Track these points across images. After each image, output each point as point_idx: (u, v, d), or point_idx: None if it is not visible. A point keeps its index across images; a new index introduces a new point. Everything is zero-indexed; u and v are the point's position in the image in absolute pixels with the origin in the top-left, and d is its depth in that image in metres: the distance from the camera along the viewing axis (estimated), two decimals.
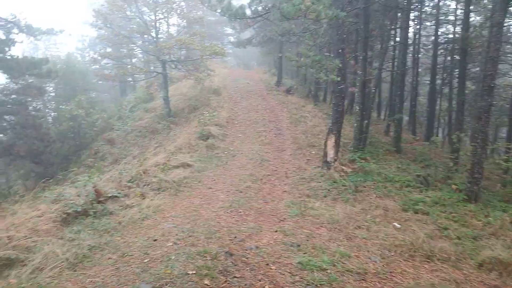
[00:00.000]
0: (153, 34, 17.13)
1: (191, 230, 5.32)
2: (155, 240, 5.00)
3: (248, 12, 9.08)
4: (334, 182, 7.82)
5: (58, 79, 19.65)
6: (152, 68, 18.51)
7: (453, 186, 7.67)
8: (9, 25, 15.41)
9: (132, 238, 5.17)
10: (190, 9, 19.24)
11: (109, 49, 21.86)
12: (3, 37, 14.59)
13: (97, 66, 22.69)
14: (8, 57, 14.61)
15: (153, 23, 17.31)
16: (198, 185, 8.29)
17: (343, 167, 8.39)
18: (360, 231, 5.28)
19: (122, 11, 16.92)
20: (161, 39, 17.33)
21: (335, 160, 8.68)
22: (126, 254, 4.56)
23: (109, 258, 4.48)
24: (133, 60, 22.39)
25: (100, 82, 25.73)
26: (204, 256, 4.29)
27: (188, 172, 9.14)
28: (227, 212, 6.25)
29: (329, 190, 7.47)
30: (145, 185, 7.86)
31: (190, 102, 17.29)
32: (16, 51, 15.88)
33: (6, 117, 15.30)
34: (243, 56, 35.77)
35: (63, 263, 4.27)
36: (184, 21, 19.91)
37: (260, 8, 8.36)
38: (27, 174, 16.75)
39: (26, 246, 4.64)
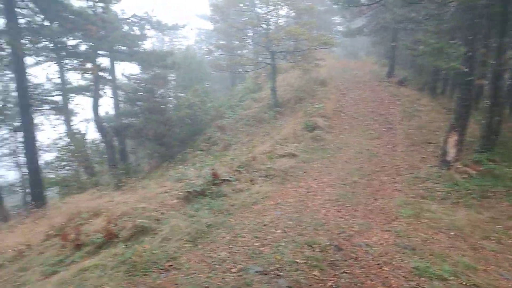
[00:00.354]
0: (264, 26, 17.61)
1: (298, 219, 5.42)
2: (264, 225, 5.24)
3: None
4: (455, 184, 7.05)
5: (179, 69, 21.78)
6: (261, 59, 19.14)
7: None
8: (143, 22, 17.59)
9: (244, 220, 5.50)
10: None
11: (222, 41, 23.31)
12: (138, 33, 16.70)
13: (212, 58, 24.42)
14: (141, 51, 16.73)
15: (264, 15, 17.79)
16: (304, 175, 8.37)
17: (467, 169, 7.50)
18: (488, 242, 4.68)
19: (236, 5, 17.84)
20: (271, 31, 17.69)
21: (457, 160, 7.81)
22: (238, 235, 4.88)
23: (223, 237, 4.86)
24: (244, 51, 23.48)
25: (213, 72, 27.65)
26: (313, 247, 4.34)
27: (293, 162, 9.29)
28: (334, 206, 6.18)
29: (448, 193, 6.77)
30: (254, 171, 8.25)
31: (296, 93, 17.40)
32: (146, 45, 18.25)
33: (138, 103, 17.57)
34: (351, 46, 34.40)
35: (185, 236, 4.79)
36: (293, 11, 20.00)
37: None
38: (152, 154, 19.12)
39: (156, 217, 5.31)
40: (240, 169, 8.35)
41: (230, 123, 16.99)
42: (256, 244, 4.55)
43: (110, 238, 4.70)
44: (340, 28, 32.10)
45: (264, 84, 20.82)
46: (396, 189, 7.22)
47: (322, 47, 16.83)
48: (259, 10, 18.33)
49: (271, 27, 18.25)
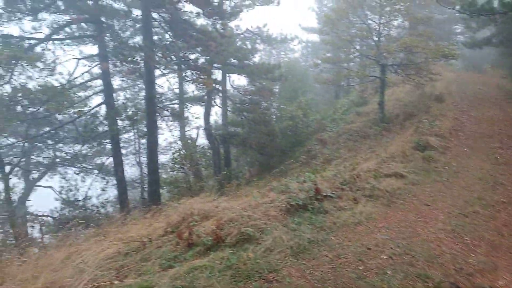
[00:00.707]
0: (375, 38, 16.96)
1: (407, 247, 5.02)
2: (368, 248, 4.99)
3: (496, 5, 7.75)
4: None
5: (284, 82, 22.34)
6: (368, 72, 18.43)
7: None
8: (254, 37, 18.60)
9: (346, 241, 5.32)
10: (415, 8, 18.00)
11: (329, 54, 23.16)
12: (250, 47, 17.69)
13: (317, 70, 24.46)
14: (251, 64, 17.66)
15: (375, 27, 17.15)
16: (413, 199, 7.73)
17: None
18: None
19: (346, 17, 17.56)
20: (382, 43, 16.94)
21: None
22: (341, 256, 4.74)
23: (325, 255, 4.77)
24: (350, 64, 22.93)
25: (317, 85, 27.66)
26: (425, 281, 3.97)
27: (401, 183, 8.65)
28: (450, 237, 5.56)
29: None
30: (357, 189, 7.93)
31: (406, 108, 16.28)
32: (255, 58, 19.29)
33: (244, 113, 18.54)
34: (472, 57, 30.74)
35: (287, 249, 4.84)
36: (407, 22, 18.87)
37: None
38: (253, 162, 19.95)
39: (260, 226, 5.49)
40: (342, 186, 8.12)
41: (332, 137, 16.72)
42: (360, 268, 4.36)
43: (217, 242, 5.02)
44: (461, 38, 29.07)
45: (370, 98, 20.00)
46: None
47: (441, 59, 15.47)
48: (370, 22, 17.75)
49: (382, 39, 17.49)
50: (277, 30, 23.15)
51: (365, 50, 19.21)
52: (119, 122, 14.52)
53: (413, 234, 5.65)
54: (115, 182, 14.76)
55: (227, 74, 20.21)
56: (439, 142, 11.46)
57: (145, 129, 15.50)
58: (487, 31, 19.64)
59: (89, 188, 16.19)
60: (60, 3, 11.90)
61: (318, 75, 24.78)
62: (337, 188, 7.94)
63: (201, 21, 14.97)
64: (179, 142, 22.25)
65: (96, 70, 14.29)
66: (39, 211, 15.17)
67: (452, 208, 7.01)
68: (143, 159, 18.05)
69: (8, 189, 12.62)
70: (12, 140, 15.20)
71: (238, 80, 21.22)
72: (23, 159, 16.48)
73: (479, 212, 6.75)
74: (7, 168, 14.44)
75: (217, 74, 19.09)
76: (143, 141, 17.32)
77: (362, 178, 8.55)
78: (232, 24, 18.37)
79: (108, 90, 13.40)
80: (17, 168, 16.71)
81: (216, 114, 23.05)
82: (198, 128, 22.77)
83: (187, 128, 22.57)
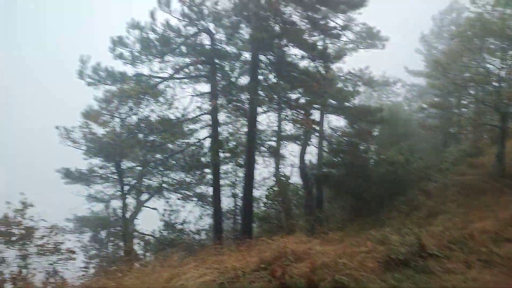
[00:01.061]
0: (495, 83, 15.37)
1: None
2: None
3: None
4: None
5: (384, 125, 21.42)
6: (485, 120, 16.65)
7: None
8: (355, 79, 18.50)
9: None
10: None
11: (436, 99, 21.66)
12: (351, 89, 17.60)
13: (422, 115, 23.00)
14: (351, 106, 17.47)
15: (496, 71, 15.57)
16: None
17: None
18: None
19: (460, 60, 16.38)
20: (504, 88, 15.23)
21: None
22: None
23: None
24: (462, 110, 21.05)
25: (421, 131, 25.86)
26: None
27: None
28: None
29: None
30: (470, 252, 6.98)
31: None
32: (355, 101, 19.18)
33: (341, 155, 18.16)
34: None
35: None
36: None
37: None
38: (346, 206, 19.09)
39: (355, 277, 5.18)
40: (451, 245, 7.24)
41: (438, 188, 15.25)
42: None
43: (310, 286, 4.86)
44: None
45: (487, 148, 17.88)
46: None
47: None
48: (489, 66, 16.21)
49: (504, 84, 15.74)
50: (379, 73, 22.48)
51: (481, 95, 17.49)
52: (220, 154, 15.54)
53: None
54: (211, 211, 15.59)
55: (325, 115, 20.26)
56: None
57: (242, 163, 16.26)
58: None
59: (187, 215, 17.38)
60: (183, 47, 13.63)
61: (423, 120, 23.23)
62: (444, 247, 7.10)
63: (304, 63, 15.58)
64: (273, 178, 22.66)
65: (206, 106, 15.69)
66: (145, 230, 16.75)
67: None
68: (238, 191, 18.77)
69: (124, 207, 14.29)
70: (131, 164, 17.35)
71: (336, 121, 21.04)
72: (137, 182, 18.50)
73: None
74: (126, 188, 16.44)
75: (316, 114, 19.27)
76: (240, 174, 18.09)
77: (476, 240, 7.52)
78: (334, 66, 18.61)
79: (214, 125, 14.56)
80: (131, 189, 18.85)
81: (311, 154, 23.02)
82: (292, 166, 22.95)
83: (281, 166, 22.91)
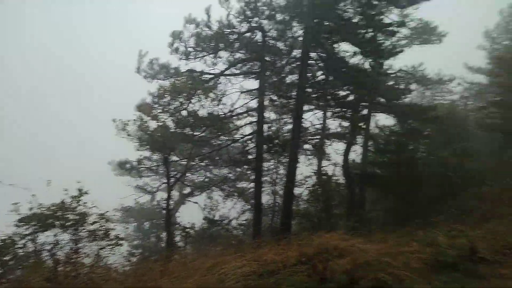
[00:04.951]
0: None
1: None
2: None
3: None
4: None
5: (437, 125, 20.35)
6: None
7: None
8: (408, 76, 17.78)
9: None
10: None
11: (499, 97, 20.16)
12: (402, 87, 16.97)
13: (481, 115, 21.53)
14: (402, 104, 16.84)
15: None
16: None
17: None
18: None
19: None
20: None
21: None
22: None
23: None
24: None
25: (478, 132, 24.23)
26: None
27: None
28: None
29: None
30: None
31: None
32: (406, 98, 18.41)
33: (387, 155, 17.58)
34: None
35: None
36: None
37: None
38: (389, 208, 18.43)
39: (399, 276, 5.09)
40: (506, 251, 6.82)
41: (493, 192, 14.27)
42: None
43: (351, 283, 4.87)
44: None
45: None
46: None
47: None
48: None
49: None
50: (435, 70, 21.38)
51: None
52: (264, 152, 15.72)
53: None
54: (251, 207, 15.83)
55: (372, 113, 19.67)
56: None
57: (284, 160, 16.32)
58: None
59: (228, 210, 17.78)
60: (236, 44, 13.98)
61: (481, 121, 21.78)
62: (497, 252, 6.72)
63: (354, 60, 15.25)
64: (315, 177, 22.48)
65: (253, 103, 15.94)
66: (186, 223, 17.37)
67: None
68: (277, 188, 18.86)
69: (169, 199, 14.95)
70: (176, 157, 18.06)
71: (385, 120, 20.34)
72: (182, 175, 19.23)
73: None
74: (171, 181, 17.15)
75: (364, 114, 18.77)
76: (281, 171, 18.17)
77: None
78: (386, 62, 18.00)
79: (260, 121, 14.74)
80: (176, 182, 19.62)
81: (356, 153, 22.51)
82: (335, 165, 22.59)
83: (324, 164, 22.64)
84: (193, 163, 17.58)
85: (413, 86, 20.83)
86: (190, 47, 13.74)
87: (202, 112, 14.38)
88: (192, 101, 13.65)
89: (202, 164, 19.76)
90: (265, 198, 21.87)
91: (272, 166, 23.18)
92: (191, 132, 14.61)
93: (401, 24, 13.78)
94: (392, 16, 16.09)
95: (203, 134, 14.94)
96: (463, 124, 22.56)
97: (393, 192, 16.83)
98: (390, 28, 13.15)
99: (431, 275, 5.42)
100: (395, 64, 18.78)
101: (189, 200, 21.96)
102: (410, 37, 18.64)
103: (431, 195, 16.74)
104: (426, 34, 18.26)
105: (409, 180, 16.55)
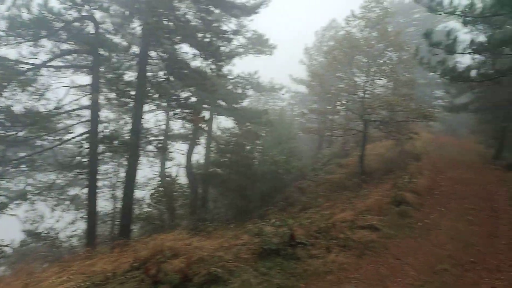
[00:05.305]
0: (360, 94, 17.75)
1: None
2: None
3: (473, 74, 8.32)
4: None
5: (270, 127, 22.82)
6: (352, 126, 19.11)
7: None
8: (245, 82, 19.27)
9: None
10: (400, 71, 19.12)
11: (315, 106, 24.02)
12: (240, 92, 18.26)
13: (303, 120, 25.23)
14: (239, 108, 18.12)
15: (362, 84, 18.03)
16: (385, 252, 7.73)
17: None
18: None
19: (334, 72, 18.51)
20: (367, 99, 17.74)
21: None
22: None
23: None
24: (336, 117, 23.74)
25: (301, 134, 28.34)
26: None
27: (375, 236, 8.68)
28: None
29: None
30: (331, 239, 7.92)
31: (385, 164, 16.73)
32: (244, 103, 19.99)
33: (228, 155, 18.65)
34: (451, 121, 32.32)
35: None
36: (391, 83, 19.91)
37: (491, 71, 7.49)
38: (230, 204, 19.68)
39: (229, 268, 5.40)
40: (317, 234, 8.11)
41: (311, 185, 16.88)
42: None
43: (185, 281, 4.89)
44: (441, 102, 30.65)
45: (352, 151, 20.52)
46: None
47: (420, 120, 16.23)
48: (357, 79, 18.68)
49: (367, 95, 18.32)
50: (267, 79, 23.97)
51: (350, 104, 20.04)
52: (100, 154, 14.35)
53: (382, 287, 5.62)
54: (85, 214, 14.31)
55: (214, 116, 20.57)
56: (415, 199, 11.67)
57: (125, 163, 15.35)
58: (465, 98, 20.86)
59: (57, 220, 15.54)
60: (63, 32, 12.23)
61: (303, 125, 25.47)
62: (311, 236, 7.92)
63: (196, 62, 15.56)
64: (158, 179, 22.01)
65: (85, 100, 14.33)
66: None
67: (422, 264, 7.03)
68: (118, 193, 17.67)
69: None
70: None
71: (226, 122, 21.58)
72: None
73: (448, 270, 6.78)
74: None
75: (205, 115, 19.42)
76: (121, 174, 17.08)
77: (337, 228, 8.57)
78: (225, 68, 19.06)
79: (94, 121, 13.40)
80: None
81: (199, 154, 23.08)
82: (178, 166, 22.65)
83: (167, 165, 22.42)
84: (7, 168, 14.64)
85: (249, 92, 22.73)
86: (1, 31, 11.34)
87: (18, 108, 12.11)
88: (4, 94, 11.33)
89: (23, 169, 16.69)
90: (105, 204, 20.14)
91: (112, 169, 21.55)
92: (3, 132, 12.11)
93: (236, 32, 14.83)
94: (230, 24, 17.26)
95: (20, 134, 12.54)
96: (289, 127, 25.85)
97: (233, 189, 18.00)
98: (227, 35, 13.95)
99: (257, 263, 5.97)
100: (233, 70, 20.17)
101: (4, 213, 18.23)
102: (246, 46, 20.34)
103: (265, 190, 18.65)
104: (260, 45, 20.27)
105: (246, 177, 18.01)
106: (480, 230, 9.50)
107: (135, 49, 13.91)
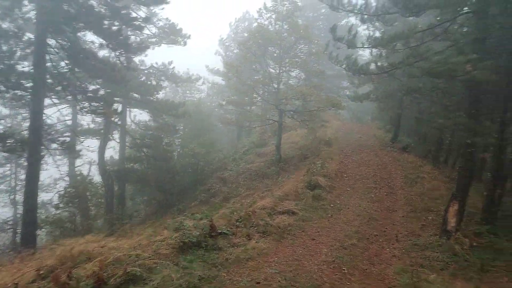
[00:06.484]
0: (275, 85, 18.40)
1: (293, 279, 5.32)
2: (258, 283, 5.14)
3: (372, 67, 9.16)
4: (454, 255, 6.90)
5: (188, 119, 22.44)
6: (269, 116, 19.77)
7: None
8: (159, 73, 18.56)
9: (237, 276, 5.40)
10: (311, 63, 20.23)
11: (233, 97, 24.21)
12: (154, 83, 17.54)
13: (221, 111, 25.24)
14: (154, 100, 17.44)
15: (276, 75, 18.68)
16: (302, 234, 8.26)
17: (467, 240, 7.37)
18: None
19: (250, 64, 18.84)
20: (281, 90, 18.46)
21: (457, 230, 7.72)
22: None
23: None
24: (253, 108, 24.29)
25: (220, 125, 28.43)
26: None
27: (292, 220, 9.21)
28: (330, 268, 6.06)
29: (447, 263, 6.62)
30: (251, 226, 8.18)
31: (301, 151, 17.68)
32: (160, 95, 19.21)
33: (144, 149, 17.90)
34: (357, 109, 35.38)
35: None
36: (304, 74, 20.99)
37: (385, 64, 8.34)
38: (150, 200, 19.04)
39: (149, 266, 5.25)
40: (238, 223, 8.30)
41: (232, 175, 17.11)
42: None
43: (99, 285, 4.62)
44: (347, 92, 33.25)
45: (270, 140, 21.25)
46: (394, 255, 7.08)
47: (330, 108, 17.44)
48: (271, 70, 19.29)
49: (282, 86, 19.06)
50: (184, 69, 23.38)
51: (266, 95, 20.65)
52: None
53: (299, 267, 6.01)
54: None
55: (128, 109, 19.53)
56: (327, 182, 12.61)
57: (25, 163, 13.78)
58: (367, 88, 22.96)
59: None
60: None
61: (222, 116, 25.53)
62: (232, 225, 8.08)
63: (103, 52, 14.51)
64: (67, 179, 20.25)
65: None
66: None
67: (334, 241, 7.68)
68: (19, 197, 15.86)
69: None
70: None
71: (140, 115, 20.61)
72: None
73: (356, 244, 7.53)
74: None
75: (118, 108, 18.27)
76: (21, 177, 15.32)
77: (257, 215, 8.86)
78: (136, 59, 18.11)
79: None
80: None
81: (113, 149, 21.74)
82: (90, 163, 21.11)
83: (78, 163, 20.73)
84: None
85: (165, 83, 21.97)
86: None
87: None
88: None
89: None
90: (3, 211, 17.93)
91: (9, 172, 19.21)
92: None
93: (147, 20, 14.10)
94: (140, 12, 16.39)
95: None
96: (208, 118, 25.76)
97: (151, 184, 17.39)
98: (137, 23, 13.23)
99: (178, 257, 5.91)
100: (146, 60, 19.27)
101: None
102: (158, 35, 19.53)
103: (185, 183, 18.39)
104: (173, 34, 19.62)
105: (165, 171, 17.53)
106: (381, 206, 10.68)
107: (29, 36, 12.43)
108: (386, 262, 6.65)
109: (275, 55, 19.05)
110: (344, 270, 6.01)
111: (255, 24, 21.33)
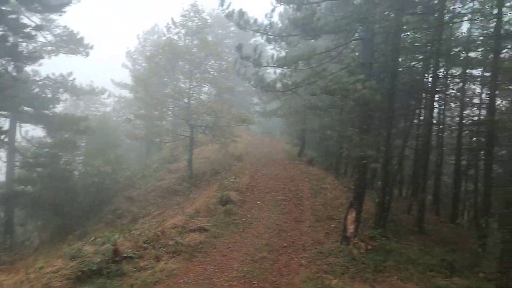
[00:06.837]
0: (186, 100, 18.16)
1: None
2: None
3: (278, 85, 9.62)
4: (353, 259, 7.52)
5: (92, 135, 20.76)
6: (180, 131, 19.38)
7: (480, 275, 7.23)
8: (56, 85, 16.89)
9: None
10: (221, 79, 20.50)
11: (142, 111, 23.18)
12: (50, 96, 15.89)
13: (130, 126, 23.92)
14: (50, 114, 15.77)
15: (186, 90, 18.46)
16: (213, 251, 8.17)
17: (362, 244, 8.10)
18: None
19: (159, 77, 18.32)
20: (192, 105, 18.27)
21: (355, 235, 8.44)
22: None
23: None
24: (164, 122, 23.59)
25: (128, 141, 26.94)
26: None
27: (204, 237, 9.05)
28: (241, 283, 6.09)
29: (347, 267, 7.17)
30: (161, 247, 7.81)
31: (212, 166, 17.66)
32: (58, 108, 17.39)
33: (38, 169, 15.98)
34: (267, 125, 36.83)
35: None
36: (215, 90, 21.15)
37: (290, 83, 8.86)
38: (45, 225, 16.97)
39: None
40: (146, 245, 7.85)
41: (140, 194, 16.30)
42: None
43: None
44: (257, 108, 34.43)
45: (181, 155, 20.82)
46: (301, 265, 7.42)
47: (241, 124, 17.81)
48: (182, 85, 18.99)
49: (193, 101, 18.87)
50: (87, 81, 21.54)
51: (177, 110, 20.22)
52: None
53: (210, 285, 5.91)
54: None
55: (19, 124, 17.28)
56: (238, 197, 12.76)
57: None
58: (275, 104, 24.12)
59: None
60: None
61: (130, 131, 24.26)
62: (140, 248, 7.62)
63: None
64: None
65: None
66: None
67: (245, 256, 7.74)
68: None
69: None
70: None
71: (33, 131, 18.35)
72: None
73: (266, 257, 7.69)
74: None
75: (4, 123, 16.01)
76: None
77: (166, 235, 8.51)
78: (28, 68, 16.22)
79: None
80: None
81: None
82: None
83: None
84: None
85: (64, 96, 20.05)
86: None
87: None
88: None
89: None
90: None
91: None
92: None
93: (39, 28, 12.76)
94: (34, 18, 14.86)
95: None
96: (114, 134, 24.23)
97: (47, 207, 15.54)
98: (27, 30, 11.91)
99: None
100: (41, 70, 17.37)
101: None
102: (55, 44, 17.78)
103: (88, 204, 16.87)
104: (73, 44, 18.09)
105: (64, 192, 15.85)
106: (290, 217, 11.16)
107: None
108: (294, 272, 6.92)
109: (185, 69, 18.84)
110: (254, 284, 6.08)
111: (164, 38, 20.92)
